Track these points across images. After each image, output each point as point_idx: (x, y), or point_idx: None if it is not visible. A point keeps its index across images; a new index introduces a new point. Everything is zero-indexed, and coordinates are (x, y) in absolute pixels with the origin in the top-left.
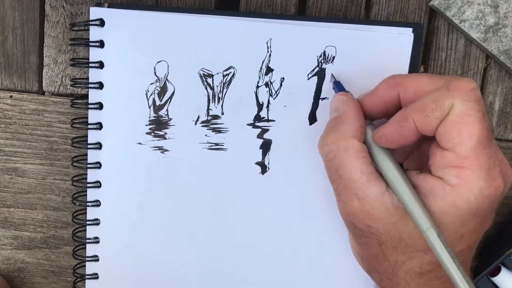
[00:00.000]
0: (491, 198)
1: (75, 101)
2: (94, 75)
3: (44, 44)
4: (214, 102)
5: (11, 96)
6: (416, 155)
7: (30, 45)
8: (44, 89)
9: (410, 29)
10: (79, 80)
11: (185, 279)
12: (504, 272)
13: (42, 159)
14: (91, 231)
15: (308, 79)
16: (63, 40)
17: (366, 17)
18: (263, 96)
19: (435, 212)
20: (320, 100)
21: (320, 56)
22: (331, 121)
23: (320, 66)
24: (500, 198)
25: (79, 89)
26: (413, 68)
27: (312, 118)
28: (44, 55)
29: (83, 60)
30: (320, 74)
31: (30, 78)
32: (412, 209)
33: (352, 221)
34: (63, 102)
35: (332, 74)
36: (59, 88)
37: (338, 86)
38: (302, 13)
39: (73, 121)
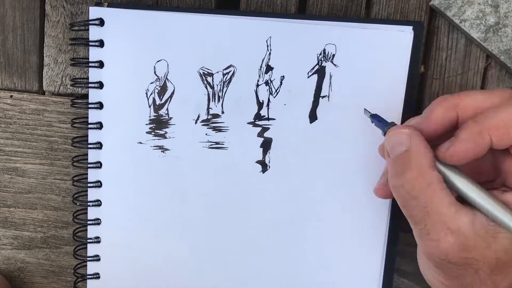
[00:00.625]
0: None
1: (75, 101)
2: (94, 74)
3: (44, 44)
4: (214, 101)
5: (11, 96)
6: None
7: (31, 45)
8: (44, 89)
9: (410, 27)
10: (79, 80)
11: (187, 278)
12: None
13: (42, 159)
14: (92, 231)
15: (308, 77)
16: (63, 40)
17: (366, 17)
18: (263, 95)
19: None
20: (320, 98)
21: (320, 54)
22: (400, 157)
23: (320, 64)
24: None
25: (79, 89)
26: (413, 66)
27: (312, 116)
28: (45, 54)
29: (83, 60)
30: (320, 72)
31: (30, 78)
32: (505, 220)
33: (447, 258)
34: (63, 102)
35: (365, 108)
36: (59, 88)
37: (378, 119)
38: (302, 12)
39: (73, 121)
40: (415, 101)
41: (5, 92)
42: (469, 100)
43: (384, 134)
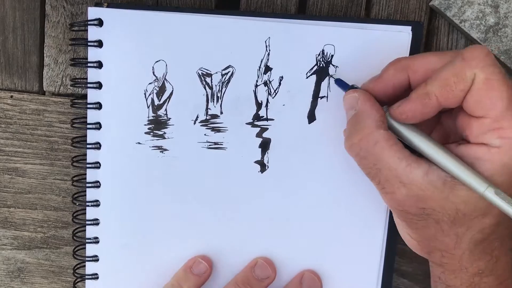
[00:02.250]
0: None
1: (75, 101)
2: (92, 75)
3: (45, 44)
4: (213, 102)
5: (11, 96)
6: (437, 128)
7: (31, 45)
8: (44, 89)
9: (409, 27)
10: (78, 80)
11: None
12: None
13: (43, 159)
14: (90, 231)
15: (307, 77)
16: (63, 40)
17: (366, 17)
18: (262, 95)
19: (487, 176)
20: (319, 98)
21: (319, 54)
22: (351, 119)
23: (318, 64)
24: None
25: (79, 89)
26: None
27: (311, 117)
28: (45, 55)
29: (83, 60)
30: (319, 73)
31: (31, 78)
32: (463, 176)
33: (404, 209)
34: (63, 102)
35: (331, 75)
36: (60, 88)
37: (340, 84)
38: (302, 13)
39: (73, 121)
40: None
41: (5, 92)
42: (420, 62)
43: None
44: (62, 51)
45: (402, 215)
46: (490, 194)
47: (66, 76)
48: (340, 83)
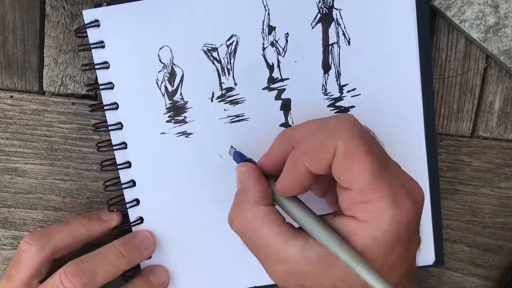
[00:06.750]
0: (405, 222)
1: (93, 103)
2: (102, 76)
3: (45, 44)
4: (225, 75)
5: (11, 96)
6: (331, 192)
7: (31, 45)
8: (44, 89)
9: None
10: (92, 84)
11: (223, 261)
12: None
13: (43, 159)
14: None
15: (313, 28)
16: (63, 40)
17: None
18: (272, 57)
19: (359, 251)
20: (330, 46)
21: (319, 1)
22: (236, 194)
23: (321, 11)
24: (417, 217)
25: (79, 89)
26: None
27: (326, 66)
28: (45, 55)
29: (91, 64)
30: (324, 20)
31: (31, 78)
32: (336, 251)
33: (285, 285)
34: (63, 102)
35: (231, 145)
36: (60, 88)
37: (238, 157)
38: None
39: (96, 125)
40: (428, 36)
41: (5, 92)
42: (301, 132)
43: None
44: (62, 51)
45: None
46: (361, 270)
47: (66, 76)
48: (237, 156)
